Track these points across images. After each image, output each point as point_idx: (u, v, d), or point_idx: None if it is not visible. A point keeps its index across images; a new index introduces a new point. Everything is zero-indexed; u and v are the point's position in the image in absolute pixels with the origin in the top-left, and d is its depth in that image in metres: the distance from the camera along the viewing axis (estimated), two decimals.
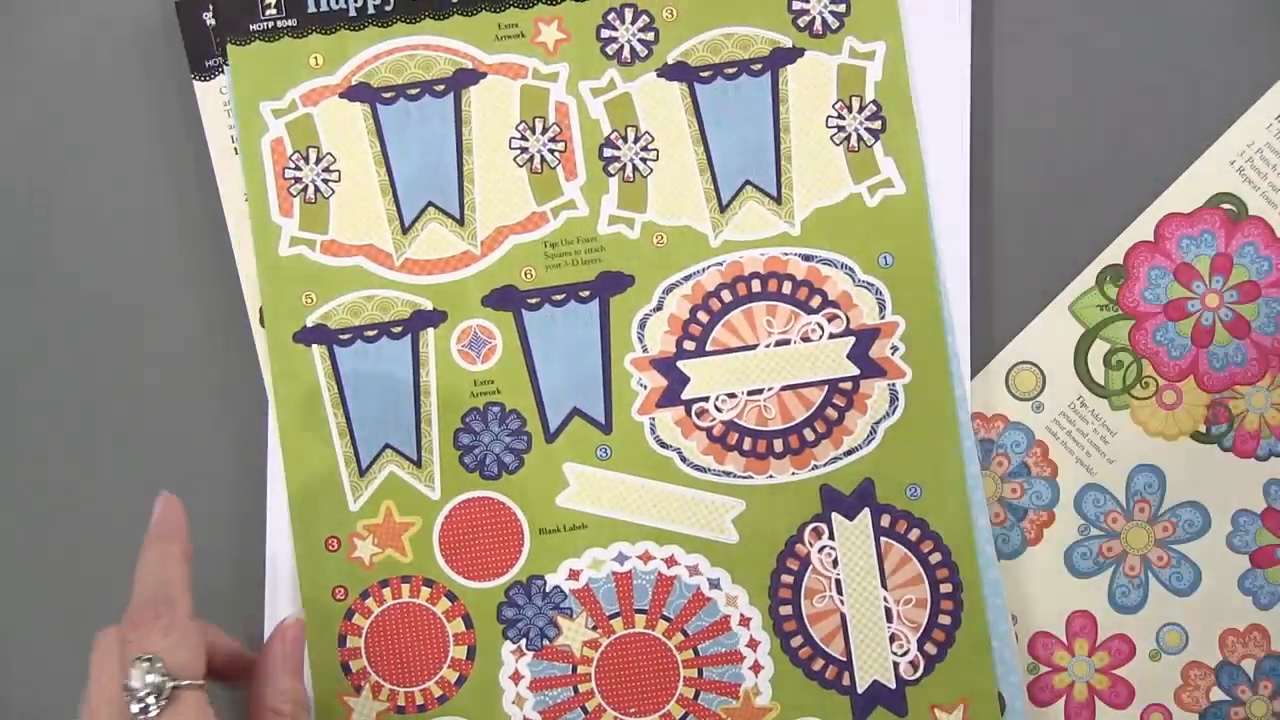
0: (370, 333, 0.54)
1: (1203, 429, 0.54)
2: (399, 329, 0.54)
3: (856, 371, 0.54)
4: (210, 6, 0.54)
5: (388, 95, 0.54)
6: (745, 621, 0.53)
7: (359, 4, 0.54)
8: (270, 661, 0.49)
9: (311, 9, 0.54)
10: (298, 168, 0.54)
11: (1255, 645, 0.53)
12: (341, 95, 0.55)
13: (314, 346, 0.54)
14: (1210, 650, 0.54)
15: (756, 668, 0.53)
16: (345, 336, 0.54)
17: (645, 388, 0.54)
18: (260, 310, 0.55)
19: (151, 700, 0.44)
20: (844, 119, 0.54)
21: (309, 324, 0.54)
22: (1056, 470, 0.54)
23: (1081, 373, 0.54)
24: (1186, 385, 0.54)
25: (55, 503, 0.55)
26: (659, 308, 0.54)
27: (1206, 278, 0.53)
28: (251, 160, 0.54)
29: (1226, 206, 0.53)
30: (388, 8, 0.54)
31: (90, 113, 0.56)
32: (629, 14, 0.54)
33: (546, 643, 0.53)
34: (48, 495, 0.55)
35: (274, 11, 0.54)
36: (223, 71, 0.54)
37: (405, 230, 0.54)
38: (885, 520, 0.54)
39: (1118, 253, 0.54)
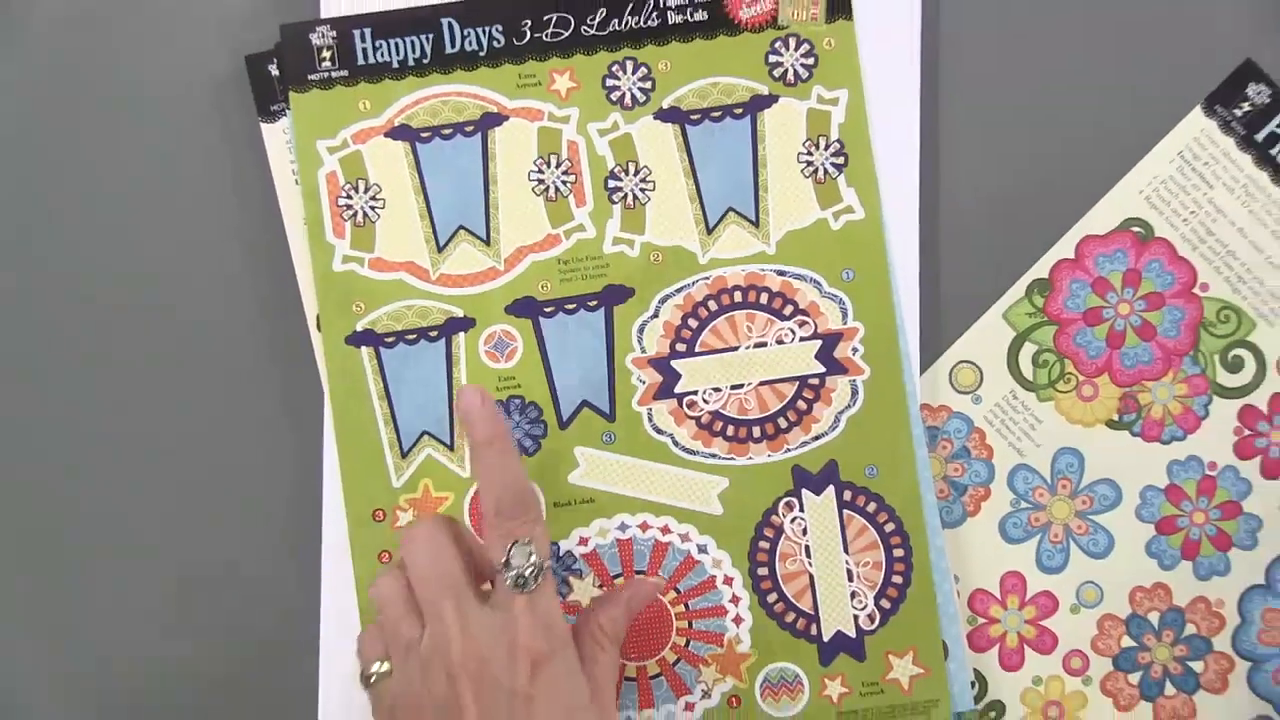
0: (410, 336, 0.58)
1: (1115, 418, 0.58)
2: (435, 333, 0.58)
3: (823, 369, 0.58)
4: (275, 60, 0.58)
5: (425, 135, 0.58)
6: (728, 581, 0.58)
7: (401, 57, 0.58)
8: (616, 595, 0.53)
9: (361, 62, 0.58)
10: (349, 196, 0.58)
11: (1159, 600, 0.58)
12: (386, 135, 0.58)
13: (363, 348, 0.58)
14: (1121, 605, 0.58)
15: (738, 620, 0.58)
16: (389, 340, 0.58)
17: (644, 383, 0.58)
18: (317, 318, 0.58)
19: (529, 575, 0.48)
20: (812, 155, 0.59)
21: (358, 329, 0.58)
22: (992, 453, 0.58)
23: (1013, 370, 0.58)
24: (1102, 380, 0.58)
25: (141, 485, 0.59)
26: (655, 315, 0.58)
27: (1119, 289, 0.58)
28: (310, 190, 0.58)
29: (1136, 229, 0.58)
30: (425, 61, 0.58)
31: (174, 150, 0.59)
32: (630, 66, 0.59)
33: (560, 599, 0.57)
34: (135, 480, 0.59)
35: (328, 64, 0.58)
36: (285, 115, 0.58)
37: (440, 249, 0.58)
38: (847, 495, 0.58)
39: (1044, 268, 0.58)
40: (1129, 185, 0.59)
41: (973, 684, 0.59)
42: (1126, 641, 0.58)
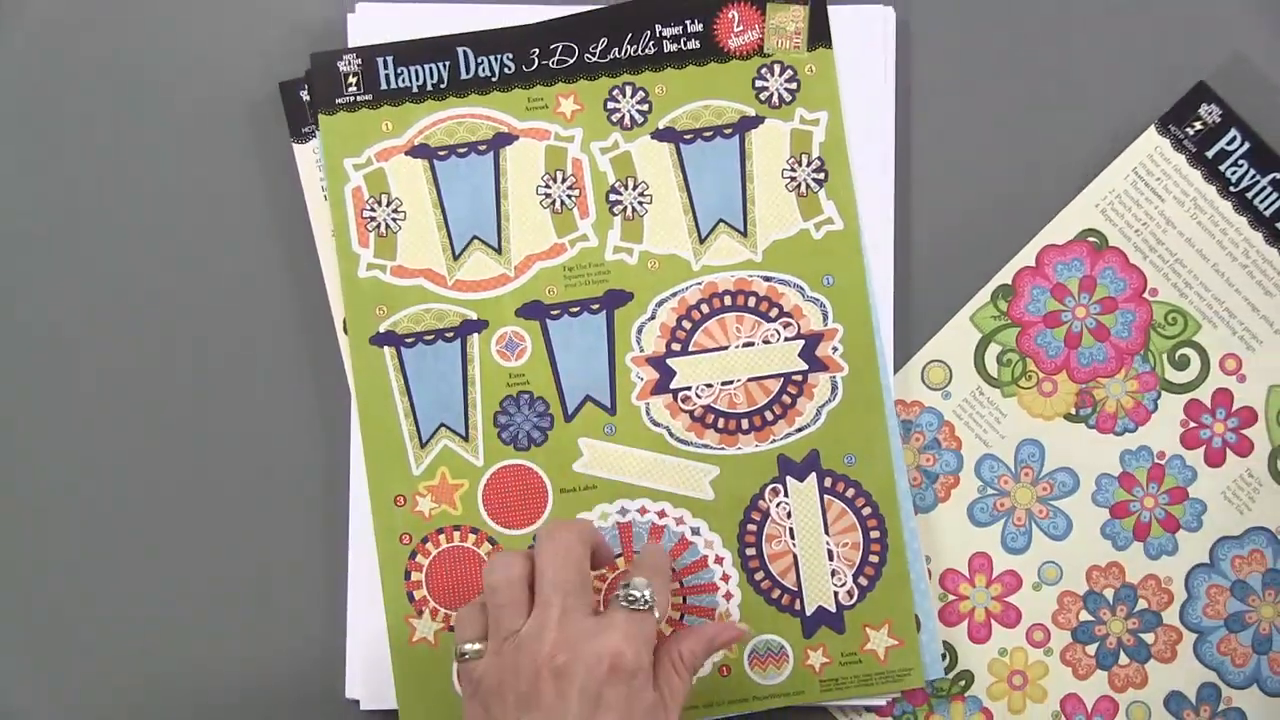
0: (429, 337, 0.61)
1: (1073, 411, 0.61)
2: (451, 334, 0.61)
3: (805, 367, 0.61)
4: (305, 85, 0.62)
5: (442, 153, 0.62)
6: (719, 560, 0.61)
7: (420, 83, 0.62)
8: (702, 630, 0.55)
9: (384, 87, 0.61)
10: (373, 209, 0.62)
11: (1114, 578, 0.61)
12: (407, 153, 0.62)
13: (385, 348, 0.61)
14: (1079, 582, 0.61)
15: (728, 596, 0.61)
16: (409, 340, 0.61)
17: (642, 379, 0.62)
18: (344, 321, 0.62)
19: (639, 599, 0.52)
20: (795, 171, 0.62)
21: (381, 331, 0.61)
22: (961, 444, 0.61)
23: (980, 368, 0.61)
24: (1060, 378, 0.61)
25: (183, 477, 0.63)
26: (652, 317, 0.62)
27: (1076, 294, 0.61)
28: (337, 204, 0.61)
29: (1092, 239, 0.61)
30: (443, 86, 0.62)
31: (214, 168, 0.63)
32: (629, 90, 0.62)
33: None
34: (177, 472, 0.63)
35: (354, 89, 0.62)
36: (315, 136, 0.62)
37: (456, 258, 0.62)
38: (828, 482, 0.61)
39: (1008, 275, 0.61)
40: (1086, 199, 0.62)
41: (943, 655, 0.62)
42: (1084, 616, 0.61)
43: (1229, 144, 0.61)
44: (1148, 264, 0.62)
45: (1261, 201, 0.60)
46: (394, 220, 0.62)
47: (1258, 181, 0.60)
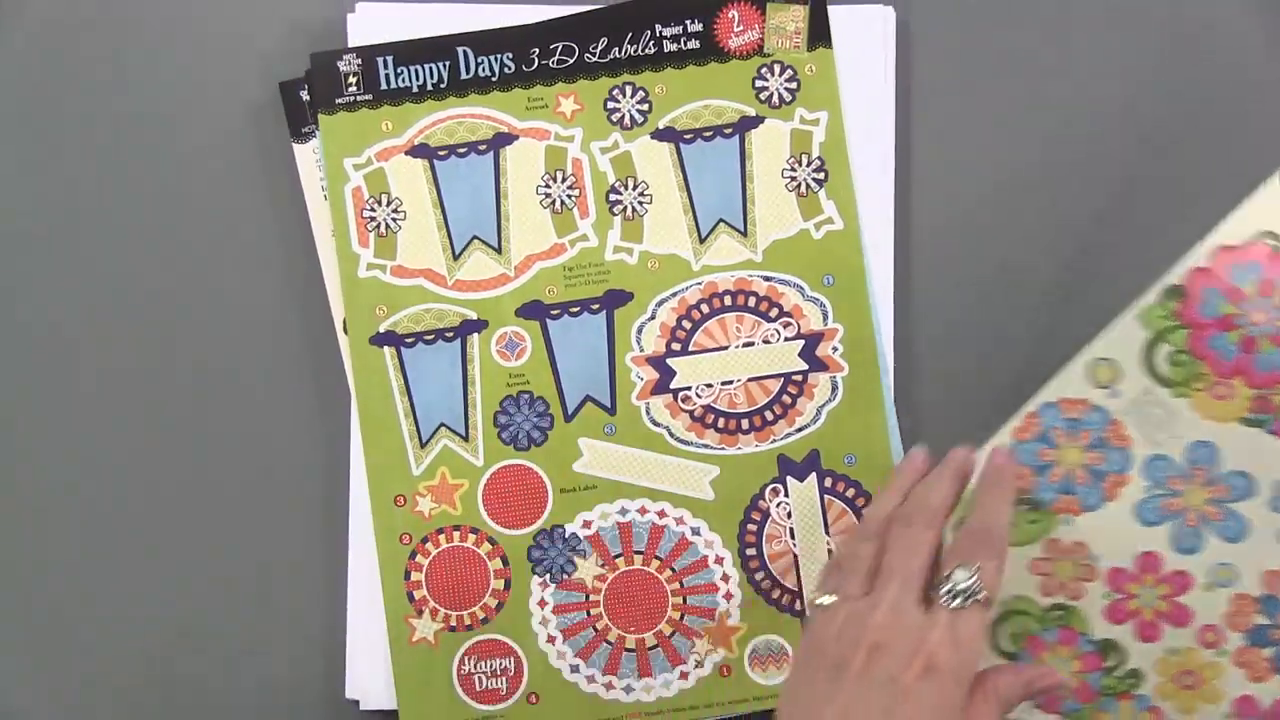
0: (429, 337, 0.62)
1: (1249, 416, 0.57)
2: (451, 334, 0.62)
3: (805, 367, 0.62)
4: (305, 85, 0.62)
5: (442, 153, 0.62)
6: (719, 560, 0.61)
7: (420, 83, 0.62)
8: (1022, 669, 0.53)
9: (383, 87, 0.62)
10: (373, 209, 0.62)
11: None
12: (406, 153, 0.62)
13: (385, 348, 0.62)
14: (1255, 585, 0.58)
15: (728, 596, 0.61)
16: (410, 340, 0.62)
17: (642, 379, 0.62)
18: (344, 320, 0.62)
19: (962, 593, 0.50)
20: (795, 171, 0.62)
21: (381, 331, 0.62)
22: (1130, 443, 0.58)
23: (1149, 368, 0.57)
24: (1236, 382, 0.57)
25: (181, 477, 0.63)
26: (653, 317, 0.62)
27: (1253, 298, 0.57)
28: (337, 204, 0.62)
29: (1270, 242, 0.57)
30: (443, 86, 0.62)
31: (215, 168, 0.63)
32: (629, 90, 0.62)
33: (566, 577, 0.61)
34: (176, 472, 0.63)
35: (354, 89, 0.62)
36: (315, 136, 0.62)
37: (456, 257, 0.62)
38: (828, 482, 0.61)
39: (1179, 275, 0.57)
40: (1264, 199, 0.58)
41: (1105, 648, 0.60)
42: (1260, 619, 0.59)
43: None
44: None
45: None
46: (394, 220, 0.63)
47: None
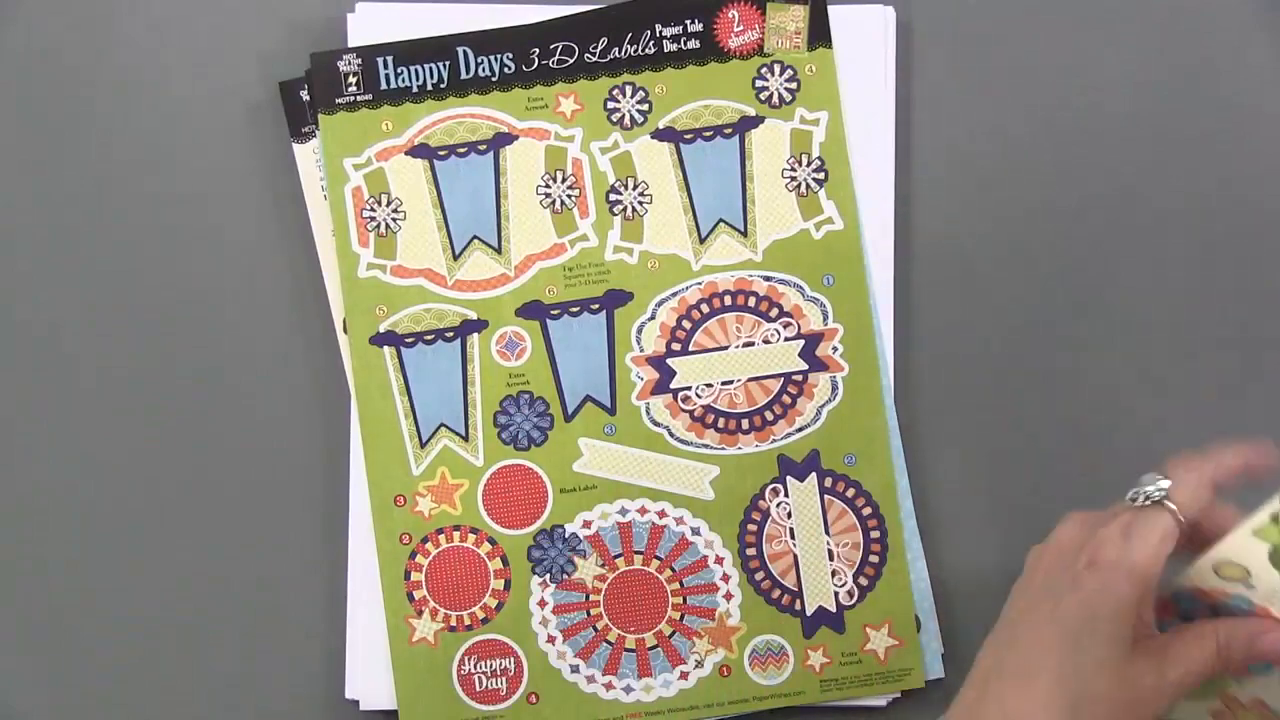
0: (429, 337, 0.62)
1: None
2: (451, 334, 0.62)
3: (805, 367, 0.62)
4: (305, 85, 0.62)
5: (442, 153, 0.62)
6: (719, 560, 0.61)
7: (420, 83, 0.62)
8: (1256, 626, 0.49)
9: (383, 86, 0.62)
10: (373, 209, 0.62)
11: None
12: (407, 153, 0.62)
13: (385, 348, 0.62)
14: None
15: (728, 596, 0.61)
16: (409, 340, 0.62)
17: (642, 379, 0.62)
18: (344, 320, 0.62)
19: (1141, 495, 0.49)
20: (795, 171, 0.63)
21: (381, 330, 0.62)
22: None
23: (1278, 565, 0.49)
24: None
25: (179, 477, 0.63)
26: (653, 317, 0.62)
27: None
28: (337, 203, 0.62)
29: None
30: (443, 86, 0.62)
31: (215, 168, 0.63)
32: (629, 90, 0.63)
33: (566, 577, 0.61)
34: (174, 471, 0.63)
35: (354, 89, 0.62)
36: (315, 136, 0.62)
37: (456, 257, 0.62)
38: (828, 482, 0.62)
39: None
40: None
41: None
42: None
43: None
44: None
45: None
46: (394, 220, 0.63)
47: None
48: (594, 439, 0.62)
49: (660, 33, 0.63)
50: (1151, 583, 0.48)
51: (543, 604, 0.62)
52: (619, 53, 0.63)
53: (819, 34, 0.63)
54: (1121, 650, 0.48)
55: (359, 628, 0.62)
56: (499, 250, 0.63)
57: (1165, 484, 0.49)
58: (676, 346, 0.63)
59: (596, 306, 0.62)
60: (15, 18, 0.64)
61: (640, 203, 0.63)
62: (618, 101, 0.63)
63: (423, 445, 0.62)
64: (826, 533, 0.62)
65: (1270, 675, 0.51)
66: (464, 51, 0.63)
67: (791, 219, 0.63)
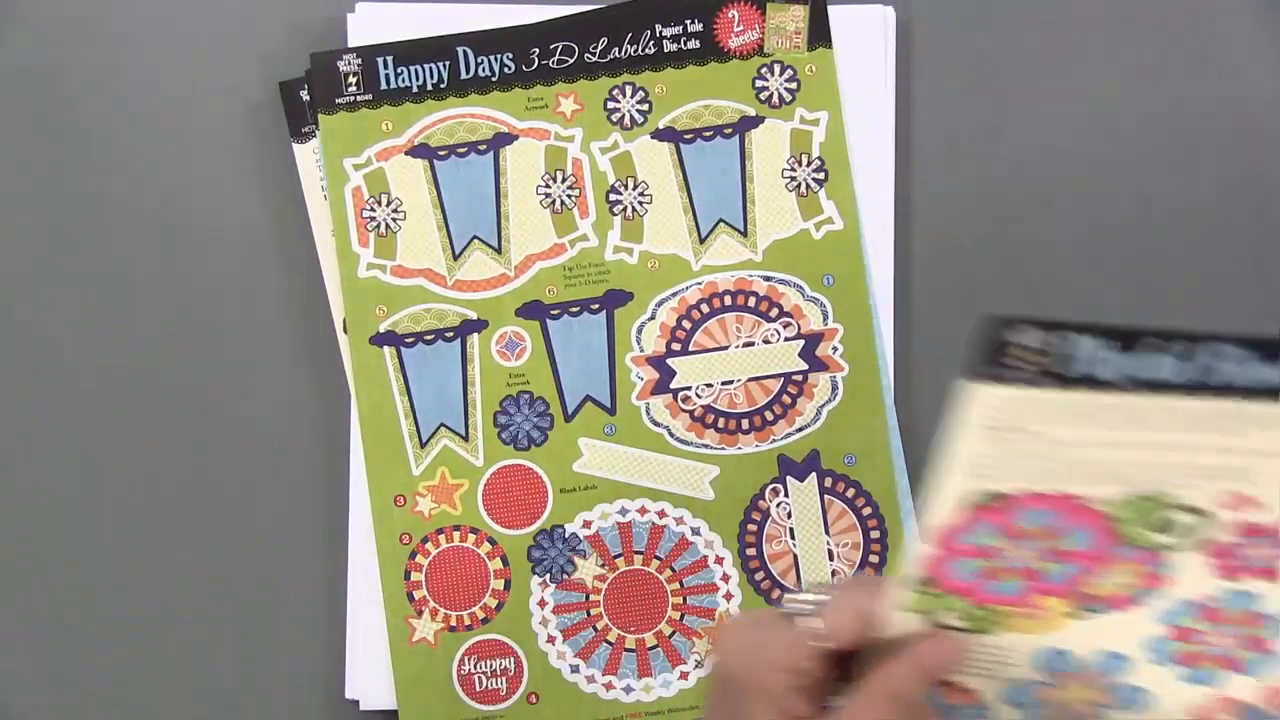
0: (429, 337, 0.62)
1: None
2: (451, 334, 0.62)
3: (805, 367, 0.62)
4: (306, 85, 0.62)
5: (442, 153, 0.62)
6: (719, 560, 0.62)
7: (420, 83, 0.62)
8: (909, 657, 0.45)
9: (383, 87, 0.62)
10: (373, 209, 0.62)
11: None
12: (407, 153, 0.62)
13: (385, 348, 0.62)
14: None
15: (728, 596, 0.61)
16: (409, 340, 0.62)
17: (642, 379, 0.62)
18: (344, 320, 0.62)
19: (794, 609, 0.46)
20: (795, 171, 0.63)
21: (381, 330, 0.62)
22: (974, 695, 0.49)
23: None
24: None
25: (179, 477, 0.63)
26: (652, 317, 0.62)
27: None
28: (337, 203, 0.62)
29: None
30: (442, 86, 0.62)
31: (213, 168, 0.63)
32: (629, 90, 0.63)
33: (565, 577, 0.61)
34: (174, 472, 0.63)
35: (354, 89, 0.62)
36: (315, 136, 0.62)
37: (456, 257, 0.62)
38: (828, 482, 0.62)
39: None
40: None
41: None
42: None
43: None
44: None
45: None
46: (394, 220, 0.63)
47: None
48: (594, 439, 0.62)
49: (660, 33, 0.63)
50: (776, 696, 0.45)
51: (543, 604, 0.62)
52: (619, 53, 0.63)
53: (819, 34, 0.63)
54: None
55: (359, 628, 0.62)
56: (499, 250, 0.63)
57: (823, 599, 0.47)
58: (676, 346, 0.63)
59: (596, 306, 0.63)
60: (15, 17, 0.64)
61: (640, 203, 0.63)
62: (618, 101, 0.63)
63: (423, 445, 0.62)
64: (826, 533, 0.62)
65: None
66: (464, 51, 0.63)
67: (791, 219, 0.63)
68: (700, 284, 0.63)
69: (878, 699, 0.45)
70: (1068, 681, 0.50)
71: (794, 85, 0.63)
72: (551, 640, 0.62)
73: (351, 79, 0.62)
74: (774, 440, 0.62)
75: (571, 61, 0.63)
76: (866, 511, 0.62)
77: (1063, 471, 0.45)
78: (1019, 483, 0.46)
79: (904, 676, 0.45)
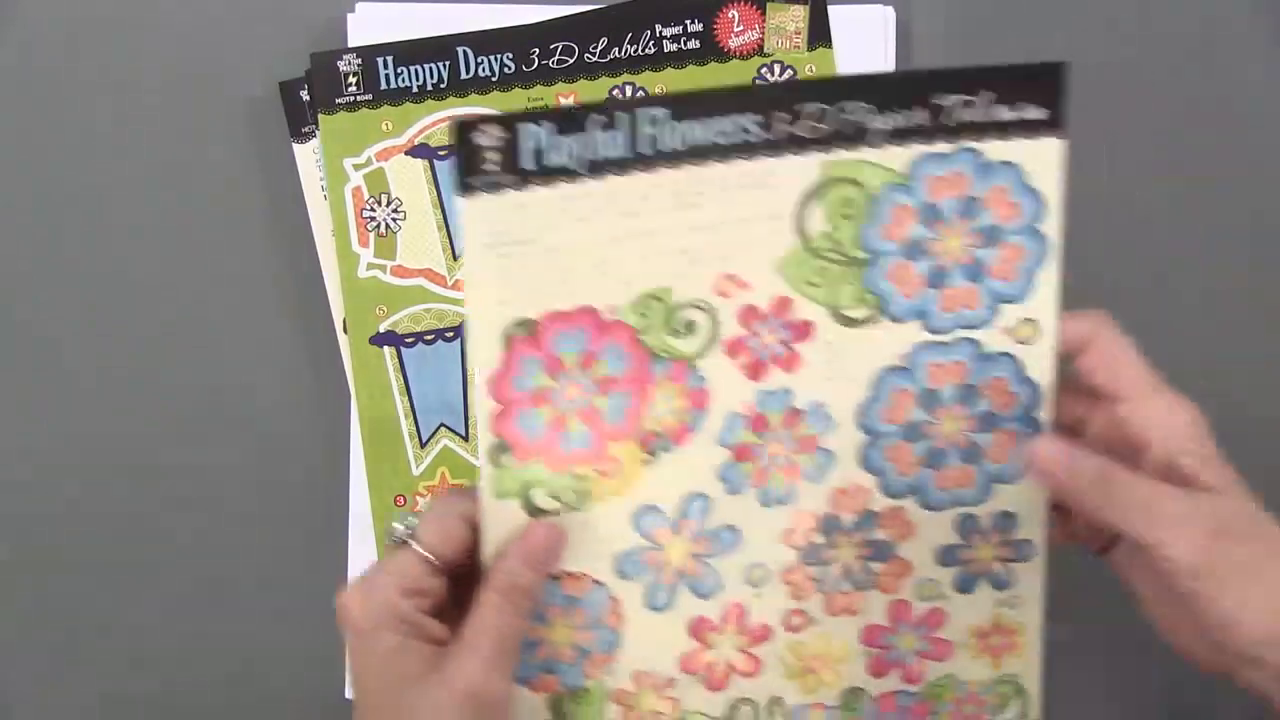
0: (429, 337, 0.62)
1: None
2: (451, 334, 0.62)
3: None
4: (305, 85, 0.62)
5: (442, 153, 0.62)
6: None
7: (420, 83, 0.62)
8: (512, 549, 0.48)
9: (384, 86, 0.62)
10: (373, 209, 0.62)
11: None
12: (407, 153, 0.62)
13: (385, 348, 0.62)
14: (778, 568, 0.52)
15: None
16: (409, 340, 0.62)
17: None
18: (344, 320, 0.62)
19: (391, 541, 0.49)
20: None
21: (381, 330, 0.62)
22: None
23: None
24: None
25: (179, 477, 0.63)
26: None
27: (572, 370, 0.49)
28: (337, 203, 0.62)
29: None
30: (442, 86, 0.62)
31: (213, 168, 0.63)
32: (629, 90, 0.62)
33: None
34: (172, 472, 0.63)
35: (354, 89, 0.62)
36: (315, 136, 0.62)
37: (456, 257, 0.62)
38: None
39: None
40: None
41: None
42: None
43: None
44: None
45: None
46: (394, 220, 0.63)
47: None
48: None
49: (660, 33, 0.63)
50: (405, 619, 0.47)
51: None
52: (619, 53, 0.63)
53: (819, 34, 0.63)
54: (419, 681, 0.47)
55: None
56: None
57: (413, 522, 0.49)
58: None
59: None
60: (15, 17, 0.64)
61: None
62: None
63: (423, 445, 0.62)
64: None
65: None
66: (464, 51, 0.62)
67: None
68: None
69: (494, 595, 0.47)
70: (666, 539, 0.52)
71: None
72: None
73: (351, 79, 0.62)
74: None
75: (571, 62, 0.63)
76: None
77: (571, 282, 0.48)
78: (539, 303, 0.48)
79: (511, 571, 0.48)
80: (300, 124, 0.63)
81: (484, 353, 0.48)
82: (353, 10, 0.63)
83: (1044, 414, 0.52)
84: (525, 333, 0.48)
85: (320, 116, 0.63)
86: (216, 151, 0.64)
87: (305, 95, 0.63)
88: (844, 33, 0.63)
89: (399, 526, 0.49)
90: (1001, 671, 0.56)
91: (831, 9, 0.63)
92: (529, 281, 0.48)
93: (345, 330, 0.62)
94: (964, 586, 0.55)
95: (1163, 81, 0.64)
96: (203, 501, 0.64)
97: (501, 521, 0.49)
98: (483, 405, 0.49)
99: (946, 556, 0.54)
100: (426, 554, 0.48)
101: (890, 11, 0.63)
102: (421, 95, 0.63)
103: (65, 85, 0.64)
